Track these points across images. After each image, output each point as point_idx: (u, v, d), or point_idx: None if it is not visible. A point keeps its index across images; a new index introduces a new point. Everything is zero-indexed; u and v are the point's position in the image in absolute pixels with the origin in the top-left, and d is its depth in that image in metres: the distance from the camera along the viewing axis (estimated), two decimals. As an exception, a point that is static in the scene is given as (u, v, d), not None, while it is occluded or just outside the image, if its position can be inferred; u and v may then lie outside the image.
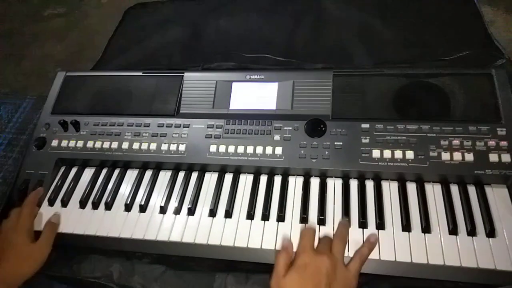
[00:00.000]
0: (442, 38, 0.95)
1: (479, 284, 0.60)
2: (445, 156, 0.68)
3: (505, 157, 0.67)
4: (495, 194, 0.66)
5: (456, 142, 0.69)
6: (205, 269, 0.69)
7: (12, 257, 0.65)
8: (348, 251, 0.63)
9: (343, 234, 0.62)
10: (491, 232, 0.62)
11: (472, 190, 0.67)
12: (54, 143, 0.83)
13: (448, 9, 1.01)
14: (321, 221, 0.67)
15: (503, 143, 0.68)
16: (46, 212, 0.76)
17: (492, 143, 0.68)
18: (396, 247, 0.63)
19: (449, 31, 0.97)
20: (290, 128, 0.76)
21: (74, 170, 0.82)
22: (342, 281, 0.56)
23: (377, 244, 0.63)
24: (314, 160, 0.72)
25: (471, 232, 0.62)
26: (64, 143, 0.82)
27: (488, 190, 0.67)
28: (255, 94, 0.81)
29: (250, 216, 0.70)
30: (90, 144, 0.81)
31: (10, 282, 0.63)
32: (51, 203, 0.77)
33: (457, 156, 0.68)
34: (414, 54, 0.93)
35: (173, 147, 0.78)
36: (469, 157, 0.68)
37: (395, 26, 1.00)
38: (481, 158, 0.67)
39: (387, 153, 0.70)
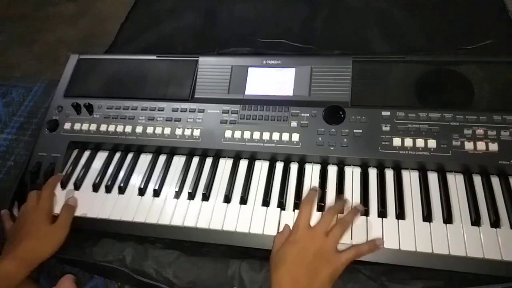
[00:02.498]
0: (464, 27, 0.93)
1: (502, 277, 0.58)
2: (469, 145, 0.66)
3: (531, 148, 0.64)
4: (520, 185, 0.64)
5: (480, 131, 0.67)
6: (219, 256, 0.68)
7: (32, 237, 0.66)
8: (367, 238, 0.62)
9: (347, 221, 0.62)
10: (516, 224, 0.60)
11: (495, 180, 0.65)
12: (67, 126, 0.82)
13: (470, -3, 0.99)
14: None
15: (529, 133, 0.66)
16: (58, 195, 0.75)
17: (517, 133, 0.66)
18: (416, 237, 0.61)
19: (470, 19, 0.94)
20: (308, 114, 0.74)
21: (87, 154, 0.81)
22: (328, 265, 0.56)
23: (397, 234, 0.62)
24: (332, 148, 0.70)
25: (495, 223, 0.61)
26: (77, 126, 0.81)
27: (513, 181, 0.65)
28: (271, 79, 0.79)
29: (266, 203, 0.68)
30: (103, 127, 0.80)
31: (29, 261, 0.63)
32: (64, 186, 0.76)
33: (481, 145, 0.66)
34: (434, 42, 0.91)
35: (187, 132, 0.77)
36: (493, 147, 0.65)
37: (415, 13, 0.97)
38: (506, 148, 0.65)
39: (408, 142, 0.68)
